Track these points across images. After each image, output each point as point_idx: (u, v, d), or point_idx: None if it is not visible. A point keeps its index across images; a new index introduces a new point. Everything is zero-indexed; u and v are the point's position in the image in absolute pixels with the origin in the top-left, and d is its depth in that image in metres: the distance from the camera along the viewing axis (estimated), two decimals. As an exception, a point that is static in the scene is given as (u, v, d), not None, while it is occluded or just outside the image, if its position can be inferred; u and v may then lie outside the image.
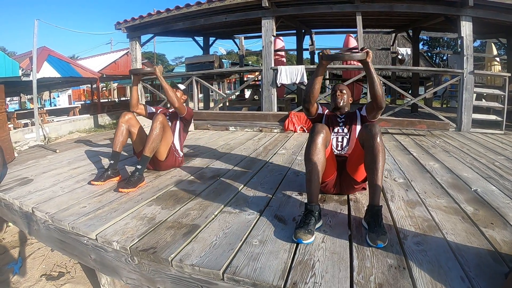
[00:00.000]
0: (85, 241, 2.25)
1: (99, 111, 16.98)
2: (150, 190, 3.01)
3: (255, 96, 9.79)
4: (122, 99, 26.96)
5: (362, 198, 2.67)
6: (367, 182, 2.32)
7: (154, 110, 3.89)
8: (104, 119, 16.06)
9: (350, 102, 2.99)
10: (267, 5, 6.52)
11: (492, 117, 6.65)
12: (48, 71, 13.99)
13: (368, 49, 2.39)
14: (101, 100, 19.19)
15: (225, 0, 6.80)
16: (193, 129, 7.02)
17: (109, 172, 3.32)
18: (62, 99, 29.14)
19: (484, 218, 2.27)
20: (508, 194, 2.78)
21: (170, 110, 3.92)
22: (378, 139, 2.14)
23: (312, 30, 11.16)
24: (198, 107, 8.40)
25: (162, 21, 8.06)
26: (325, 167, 2.29)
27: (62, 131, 13.37)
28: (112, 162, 3.40)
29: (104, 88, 26.63)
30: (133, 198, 2.80)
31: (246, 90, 10.89)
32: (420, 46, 13.36)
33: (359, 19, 6.41)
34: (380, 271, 1.63)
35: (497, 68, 10.13)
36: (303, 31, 10.76)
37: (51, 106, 21.38)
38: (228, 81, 21.32)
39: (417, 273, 1.61)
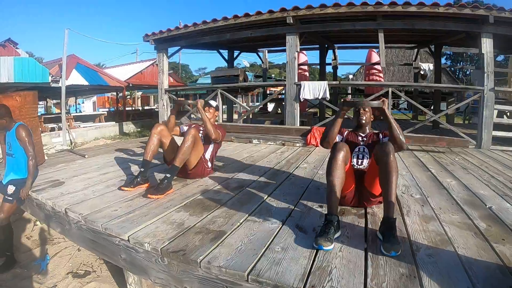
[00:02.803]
0: (116, 242, 2.42)
1: (124, 119, 17.39)
2: (178, 198, 3.18)
3: (278, 110, 9.94)
4: (146, 107, 27.62)
5: (379, 212, 2.76)
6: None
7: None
8: (129, 126, 16.48)
9: (372, 120, 3.07)
10: (292, 21, 6.67)
11: (512, 134, 6.58)
12: (76, 79, 14.50)
13: (384, 98, 2.62)
14: (126, 108, 19.69)
15: (250, 16, 6.99)
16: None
17: (138, 179, 3.51)
18: (87, 106, 29.98)
19: (496, 234, 2.34)
20: (522, 211, 2.81)
21: (202, 129, 3.99)
22: (391, 156, 2.31)
23: (335, 45, 11.22)
24: (222, 119, 8.59)
25: (189, 35, 8.29)
26: (344, 181, 2.44)
27: (88, 136, 13.84)
28: (142, 169, 3.58)
29: (129, 97, 27.26)
30: (163, 204, 2.98)
31: (268, 103, 11.03)
32: (443, 61, 13.27)
33: (381, 36, 6.46)
34: (392, 279, 1.76)
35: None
36: (326, 46, 10.84)
37: (76, 112, 22.08)
38: (251, 93, 21.54)
39: (426, 282, 1.73)
